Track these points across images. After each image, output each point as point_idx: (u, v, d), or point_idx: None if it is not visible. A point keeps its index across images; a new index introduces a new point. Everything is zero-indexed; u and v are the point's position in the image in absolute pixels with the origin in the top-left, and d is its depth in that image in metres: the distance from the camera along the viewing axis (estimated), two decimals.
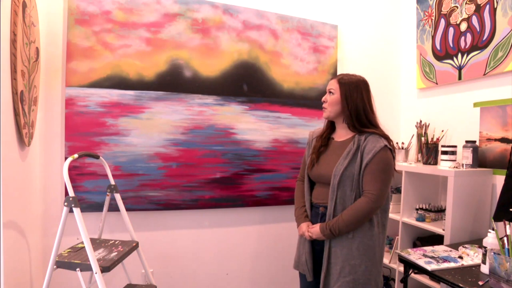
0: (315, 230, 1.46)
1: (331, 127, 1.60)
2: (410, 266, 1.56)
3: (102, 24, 1.90)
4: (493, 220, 1.59)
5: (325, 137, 1.59)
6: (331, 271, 1.44)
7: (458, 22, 2.13)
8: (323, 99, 1.55)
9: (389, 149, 1.43)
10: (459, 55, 2.12)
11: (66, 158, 1.60)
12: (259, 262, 2.32)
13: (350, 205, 1.41)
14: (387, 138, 1.46)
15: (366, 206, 1.38)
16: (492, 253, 1.27)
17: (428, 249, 1.66)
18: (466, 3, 2.07)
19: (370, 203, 1.38)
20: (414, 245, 2.11)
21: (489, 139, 1.94)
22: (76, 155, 1.46)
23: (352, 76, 1.53)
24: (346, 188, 1.42)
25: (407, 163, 2.27)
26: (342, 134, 1.55)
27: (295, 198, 1.66)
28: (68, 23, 1.84)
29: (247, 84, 2.21)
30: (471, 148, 1.91)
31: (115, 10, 1.92)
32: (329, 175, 1.45)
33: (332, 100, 1.51)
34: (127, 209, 1.80)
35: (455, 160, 2.00)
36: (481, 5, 1.97)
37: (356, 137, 1.47)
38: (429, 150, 2.16)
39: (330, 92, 1.52)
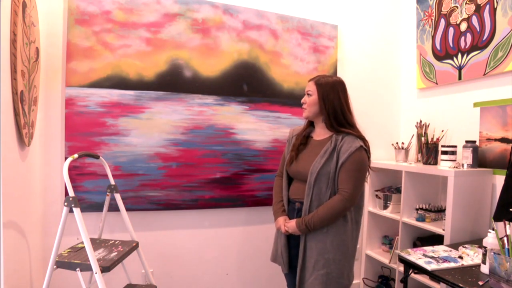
0: (291, 224, 1.53)
1: (310, 126, 1.68)
2: (410, 266, 1.56)
3: (102, 24, 1.89)
4: (493, 220, 1.59)
5: (305, 136, 1.66)
6: (306, 264, 1.51)
7: (458, 22, 2.13)
8: (302, 100, 1.62)
9: (364, 150, 1.51)
10: (459, 55, 2.12)
11: (66, 158, 1.60)
12: (259, 262, 2.32)
13: (325, 202, 1.48)
14: (362, 139, 1.53)
15: (340, 203, 1.45)
16: (492, 253, 1.27)
17: (428, 249, 1.66)
18: (466, 3, 2.07)
19: (344, 201, 1.45)
20: (414, 245, 2.11)
21: (489, 139, 1.94)
22: (76, 155, 1.46)
23: (328, 77, 1.60)
24: (322, 186, 1.49)
25: (407, 163, 2.27)
26: (320, 133, 1.62)
27: (274, 193, 1.73)
28: (68, 23, 1.84)
29: (247, 84, 2.21)
30: (471, 148, 1.91)
31: (115, 10, 1.92)
32: (306, 172, 1.52)
33: (310, 101, 1.58)
34: (127, 209, 1.80)
35: (455, 160, 2.00)
36: (481, 5, 1.97)
37: (333, 137, 1.54)
38: (429, 150, 2.16)
39: (308, 94, 1.59)
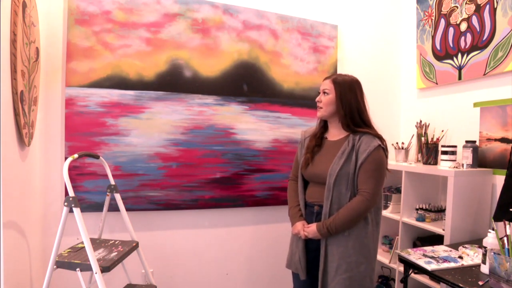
0: (311, 229, 1.47)
1: (323, 126, 1.62)
2: (410, 266, 1.56)
3: (102, 24, 1.89)
4: (493, 220, 1.59)
5: (319, 137, 1.60)
6: (328, 269, 1.46)
7: (458, 22, 2.13)
8: (317, 99, 1.57)
9: (382, 149, 1.46)
10: (459, 55, 2.12)
11: (66, 158, 1.60)
12: (259, 262, 2.32)
13: (346, 204, 1.43)
14: (380, 137, 1.49)
15: (362, 204, 1.41)
16: (492, 253, 1.27)
17: (428, 249, 1.66)
18: (466, 3, 2.07)
19: (365, 201, 1.41)
20: (414, 245, 2.11)
21: (489, 139, 1.94)
22: (76, 155, 1.46)
23: (345, 76, 1.55)
24: (342, 187, 1.44)
25: (407, 163, 2.27)
26: (335, 133, 1.57)
27: (289, 197, 1.66)
28: (68, 23, 1.84)
29: (247, 84, 2.21)
30: (471, 148, 1.91)
31: (115, 10, 1.92)
32: (324, 175, 1.46)
33: (327, 100, 1.52)
34: (127, 209, 1.80)
35: (455, 160, 2.00)
36: (481, 5, 1.97)
37: (350, 137, 1.49)
38: (429, 150, 2.16)
39: (324, 92, 1.54)
